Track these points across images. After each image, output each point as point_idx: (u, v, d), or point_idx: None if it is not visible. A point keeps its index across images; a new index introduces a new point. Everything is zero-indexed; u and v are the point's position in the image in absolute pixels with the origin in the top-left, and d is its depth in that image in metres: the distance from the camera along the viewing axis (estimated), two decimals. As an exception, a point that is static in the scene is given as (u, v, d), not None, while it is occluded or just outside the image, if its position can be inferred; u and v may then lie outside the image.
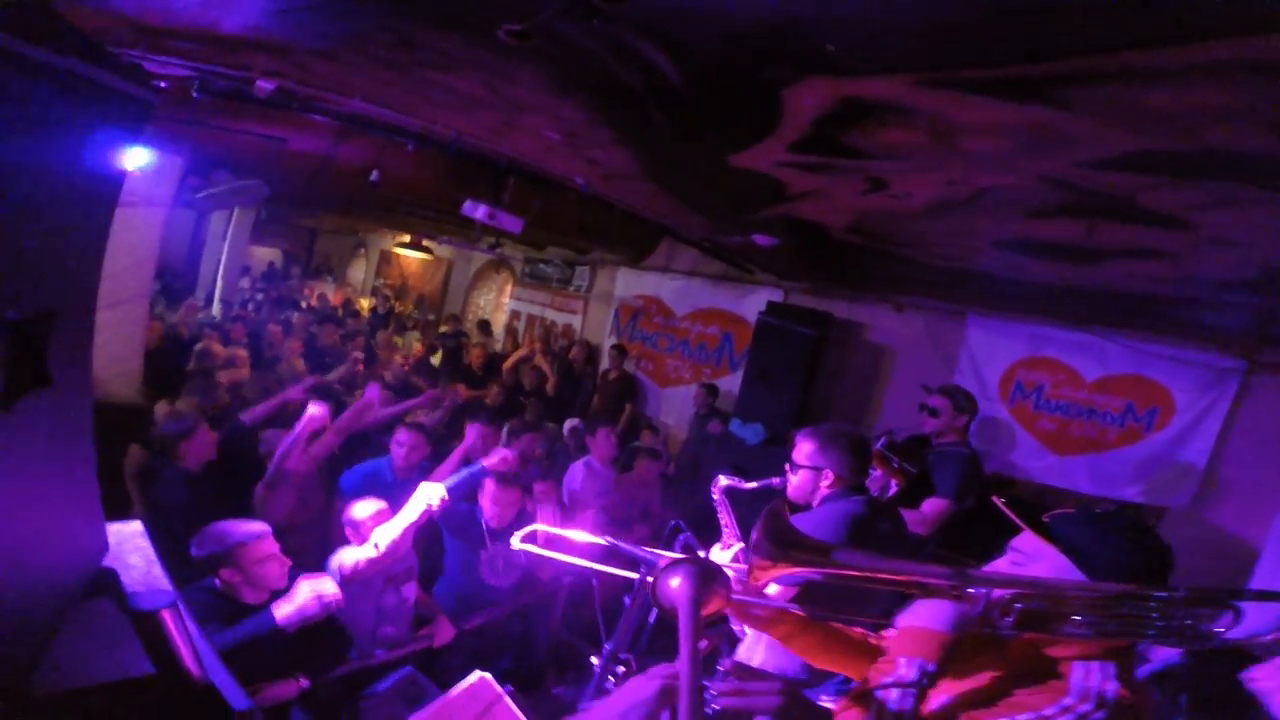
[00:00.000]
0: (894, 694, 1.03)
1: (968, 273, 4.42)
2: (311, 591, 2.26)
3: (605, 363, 7.59)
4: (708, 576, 1.09)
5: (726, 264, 6.19)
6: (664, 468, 5.74)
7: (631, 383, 7.33)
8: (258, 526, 2.39)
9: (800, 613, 1.45)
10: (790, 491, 2.29)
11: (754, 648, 2.28)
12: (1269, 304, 3.34)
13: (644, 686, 0.87)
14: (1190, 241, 2.64)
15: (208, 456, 3.26)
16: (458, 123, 2.78)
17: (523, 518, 3.35)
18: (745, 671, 0.89)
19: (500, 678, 2.14)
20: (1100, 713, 1.03)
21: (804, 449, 2.26)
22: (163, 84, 2.62)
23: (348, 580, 2.74)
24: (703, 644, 0.90)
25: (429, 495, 2.69)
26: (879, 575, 1.17)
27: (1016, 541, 1.25)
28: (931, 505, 3.22)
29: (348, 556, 2.74)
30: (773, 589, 1.98)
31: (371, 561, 2.68)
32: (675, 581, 1.07)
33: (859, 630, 1.55)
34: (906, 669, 1.05)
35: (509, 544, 3.39)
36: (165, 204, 4.66)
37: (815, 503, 2.25)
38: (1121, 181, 2.14)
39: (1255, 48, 1.23)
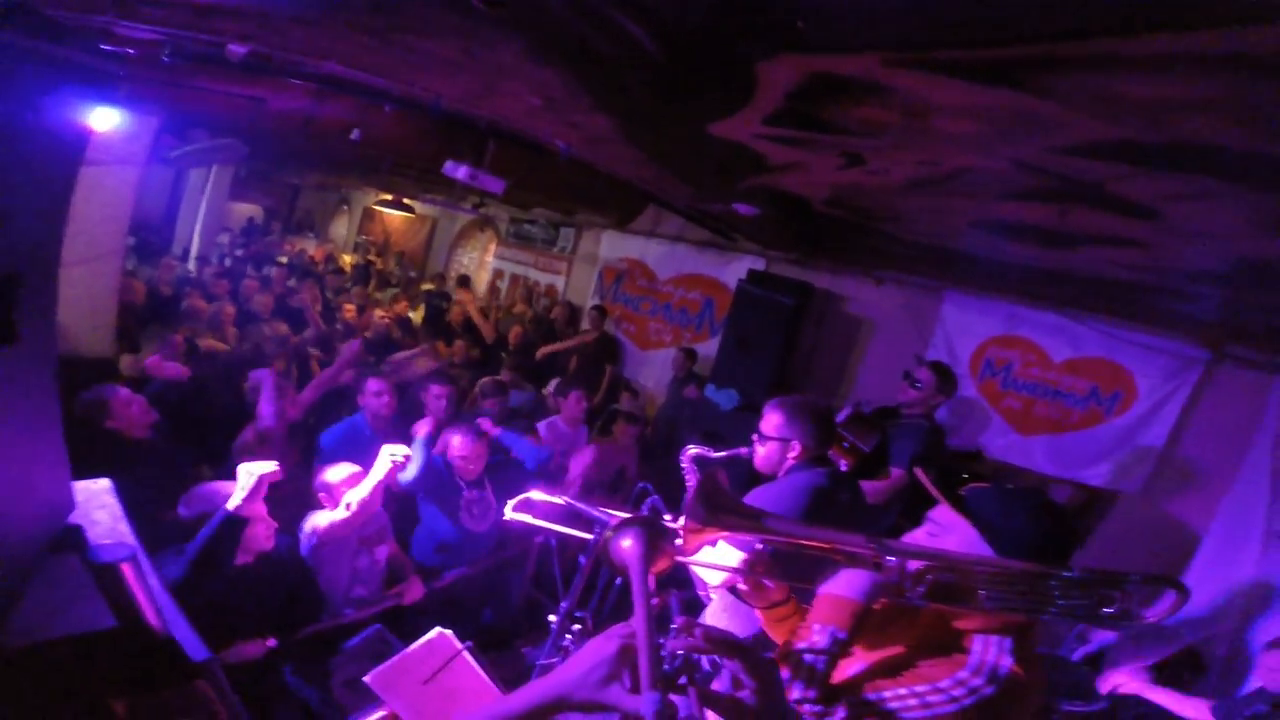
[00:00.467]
0: (808, 658, 1.08)
1: (946, 250, 4.45)
2: (247, 472, 2.27)
3: (585, 323, 7.60)
4: (656, 535, 1.13)
5: (711, 231, 6.18)
6: (642, 430, 5.83)
7: (612, 344, 7.35)
8: None
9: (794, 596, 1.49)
10: (757, 461, 2.35)
11: (718, 615, 2.37)
12: (1239, 297, 3.40)
13: (603, 646, 0.89)
14: (1161, 231, 2.67)
15: (145, 421, 3.13)
16: (437, 85, 2.72)
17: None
18: (691, 625, 0.94)
19: (471, 635, 2.21)
20: (990, 687, 1.07)
21: (772, 420, 2.30)
22: (130, 50, 2.54)
23: (322, 543, 2.80)
24: (654, 602, 0.95)
25: (392, 453, 2.75)
26: (805, 542, 1.22)
27: (933, 513, 1.30)
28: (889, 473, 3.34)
29: (321, 519, 2.80)
30: (735, 555, 2.07)
31: (344, 522, 2.74)
32: (626, 542, 1.11)
33: None
34: (819, 635, 1.10)
35: (483, 490, 3.46)
36: (139, 162, 4.57)
37: (781, 473, 2.30)
38: (1092, 168, 2.17)
39: (1231, 40, 1.23)
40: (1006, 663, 1.10)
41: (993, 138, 2.07)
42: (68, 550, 1.42)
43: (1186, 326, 4.27)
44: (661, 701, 0.76)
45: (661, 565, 1.15)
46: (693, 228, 6.39)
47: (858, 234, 4.66)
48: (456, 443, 3.38)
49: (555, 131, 3.07)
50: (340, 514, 2.74)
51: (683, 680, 0.89)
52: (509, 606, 3.46)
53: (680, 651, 0.91)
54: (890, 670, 1.15)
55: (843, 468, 3.02)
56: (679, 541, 1.21)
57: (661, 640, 0.90)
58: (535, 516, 1.83)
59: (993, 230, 3.50)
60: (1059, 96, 1.62)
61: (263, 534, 2.48)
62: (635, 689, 0.84)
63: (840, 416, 3.14)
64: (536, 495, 1.84)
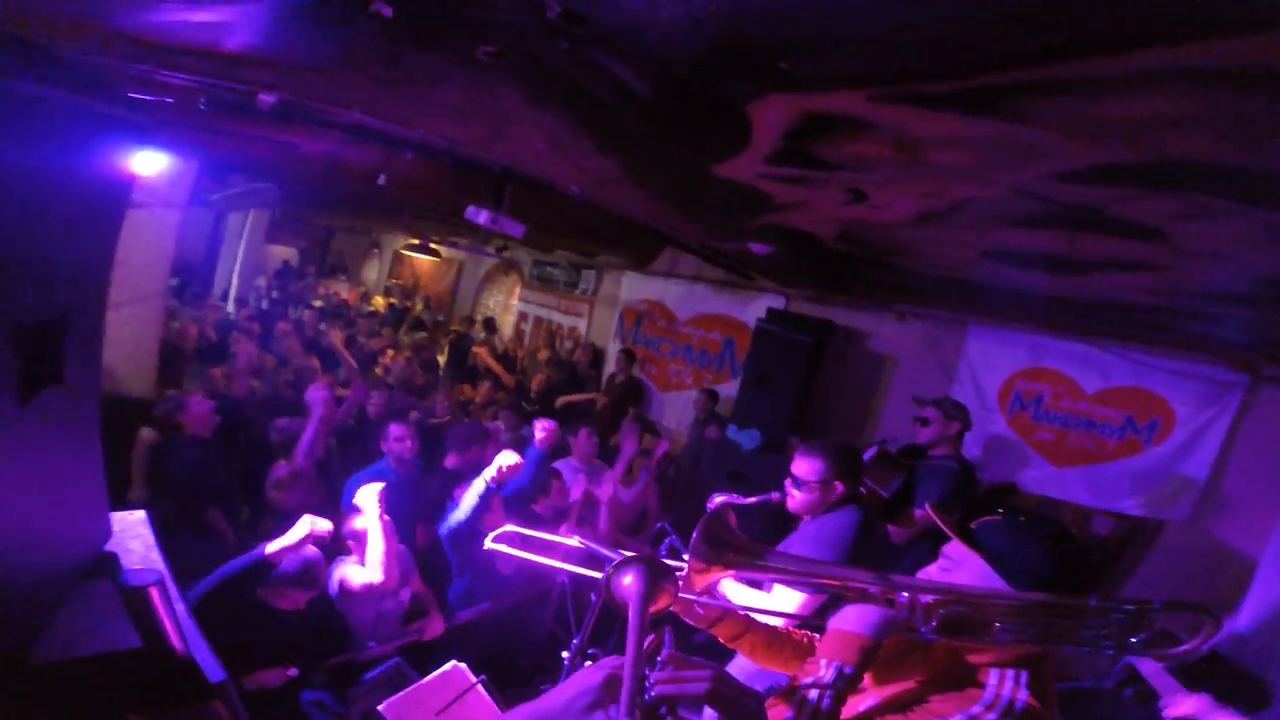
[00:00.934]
0: (813, 694, 1.07)
1: (964, 282, 4.42)
2: (305, 523, 2.40)
3: (611, 366, 7.66)
4: (657, 575, 1.15)
5: (728, 270, 6.24)
6: (666, 471, 5.81)
7: (637, 387, 7.38)
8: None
9: (743, 614, 1.50)
10: (792, 505, 2.39)
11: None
12: (1267, 317, 3.31)
13: (591, 675, 0.91)
14: (1171, 253, 2.64)
15: (211, 422, 3.54)
16: (451, 132, 2.88)
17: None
18: (682, 661, 0.95)
19: (492, 671, 2.22)
20: None
21: (812, 465, 2.35)
22: (169, 99, 2.75)
23: (349, 594, 2.85)
24: (649, 638, 0.97)
25: (368, 495, 2.78)
26: (812, 578, 1.22)
27: (946, 548, 1.29)
28: (915, 516, 3.28)
29: (353, 575, 2.84)
30: (797, 598, 2.07)
31: (373, 586, 2.79)
32: (627, 579, 1.14)
33: (803, 633, 1.59)
34: (826, 670, 1.08)
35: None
36: (180, 205, 4.84)
37: (817, 514, 2.36)
38: (1090, 193, 2.17)
39: (1200, 54, 1.24)
40: (1022, 696, 1.09)
41: (986, 166, 2.09)
42: (101, 575, 1.48)
43: (1219, 350, 4.15)
44: None
45: (662, 603, 1.18)
46: (710, 267, 6.47)
47: (873, 269, 4.66)
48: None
49: (566, 175, 3.19)
50: (373, 577, 2.78)
51: (663, 710, 0.90)
52: (530, 643, 3.43)
53: (661, 683, 0.91)
54: (901, 706, 1.15)
55: None
56: (681, 581, 1.23)
57: (647, 673, 0.91)
58: (536, 554, 1.86)
59: (1006, 260, 3.48)
60: (1040, 122, 1.64)
61: (298, 597, 2.56)
62: None
63: (865, 456, 3.13)
64: (514, 529, 1.88)
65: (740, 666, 2.29)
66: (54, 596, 1.31)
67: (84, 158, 1.16)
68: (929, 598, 1.11)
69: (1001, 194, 2.38)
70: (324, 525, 2.46)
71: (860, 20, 1.36)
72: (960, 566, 1.24)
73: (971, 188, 2.37)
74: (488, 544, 1.89)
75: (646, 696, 0.89)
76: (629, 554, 1.48)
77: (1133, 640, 1.03)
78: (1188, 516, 4.32)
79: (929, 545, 3.48)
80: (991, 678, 1.12)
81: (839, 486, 2.33)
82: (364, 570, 2.84)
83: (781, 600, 2.16)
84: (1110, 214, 2.26)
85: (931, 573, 1.28)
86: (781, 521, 2.54)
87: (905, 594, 1.11)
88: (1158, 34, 1.21)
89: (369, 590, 2.84)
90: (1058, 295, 4.00)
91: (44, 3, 1.98)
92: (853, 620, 1.14)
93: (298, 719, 2.48)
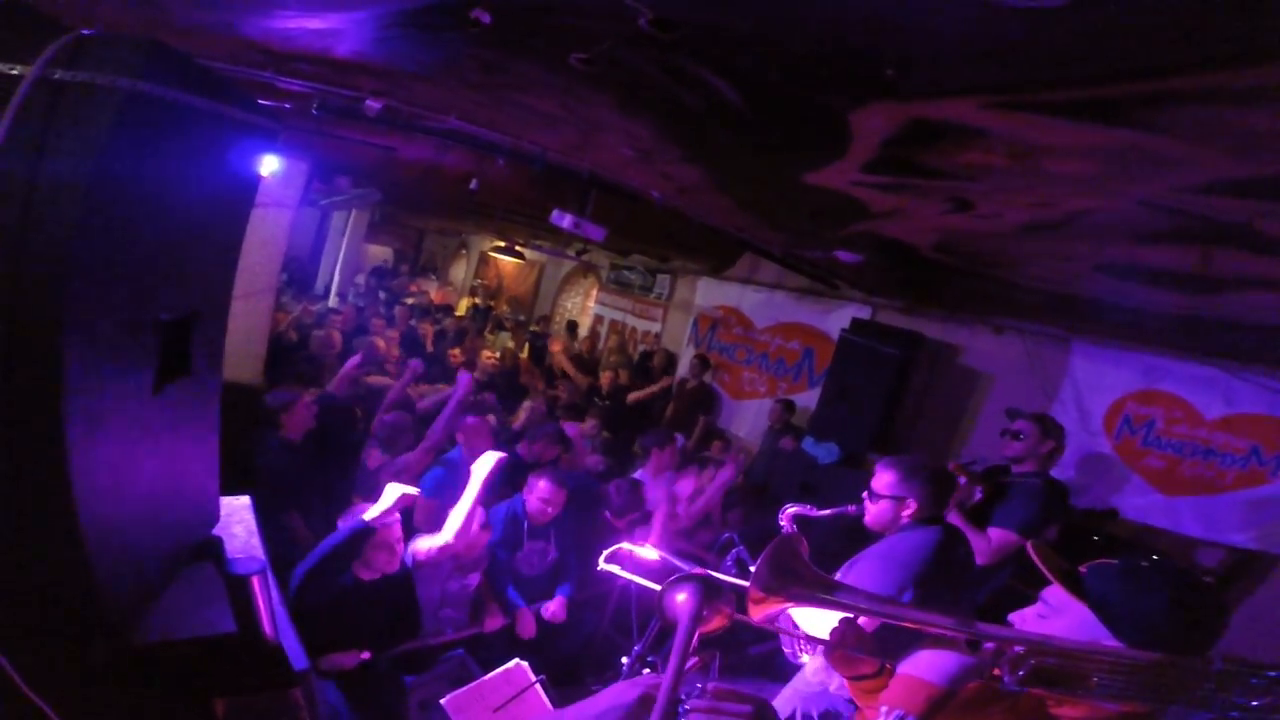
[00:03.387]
0: None
1: (1072, 297, 4.10)
2: (393, 490, 2.53)
3: (684, 371, 7.62)
4: (712, 594, 1.11)
5: (810, 278, 6.07)
6: (735, 480, 5.70)
7: (708, 393, 7.30)
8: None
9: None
10: (868, 520, 2.32)
11: (813, 675, 2.27)
12: None
13: (625, 692, 0.90)
14: (1324, 274, 2.35)
15: (307, 425, 3.69)
16: (541, 139, 2.93)
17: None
18: (725, 693, 0.91)
19: (547, 669, 2.24)
20: None
21: (886, 479, 2.28)
22: (287, 104, 2.94)
23: (419, 565, 2.95)
24: (693, 661, 0.93)
25: (485, 465, 2.88)
26: (884, 617, 1.13)
27: (1045, 592, 1.18)
28: (995, 536, 3.08)
29: (422, 544, 2.95)
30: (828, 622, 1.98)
31: (444, 547, 2.87)
32: (681, 596, 1.10)
33: None
34: (885, 718, 1.02)
35: (546, 540, 3.53)
36: (292, 205, 5.16)
37: (892, 531, 2.28)
38: (1232, 207, 1.96)
39: None
40: None
41: (1111, 177, 1.92)
42: (206, 559, 1.58)
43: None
44: None
45: (715, 624, 1.13)
46: (791, 275, 6.32)
47: (971, 280, 4.41)
48: (542, 486, 3.43)
49: (649, 182, 3.19)
50: (445, 538, 2.87)
51: None
52: (585, 644, 3.47)
53: (696, 713, 0.88)
54: None
55: None
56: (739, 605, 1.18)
57: (683, 697, 0.87)
58: (624, 569, 1.86)
59: (1123, 275, 3.20)
60: (1174, 132, 1.48)
61: (385, 560, 2.67)
62: None
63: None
64: (628, 547, 1.87)
65: (802, 683, 2.21)
66: (163, 578, 1.39)
67: (219, 161, 1.23)
68: (1019, 648, 1.00)
69: (1126, 205, 2.18)
70: (412, 491, 2.57)
71: (969, 32, 1.27)
72: (1059, 614, 1.13)
73: (1092, 198, 2.19)
74: (601, 564, 1.88)
75: None
76: (693, 569, 1.44)
77: (1255, 704, 0.90)
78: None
79: (1013, 570, 3.26)
80: None
81: (911, 504, 2.23)
82: (436, 536, 2.91)
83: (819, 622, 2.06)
84: (1257, 229, 2.03)
85: (1026, 618, 1.18)
86: (859, 538, 2.44)
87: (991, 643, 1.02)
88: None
89: (438, 557, 2.91)
90: (1181, 313, 3.65)
91: (184, 14, 2.15)
92: (924, 667, 1.07)
93: (370, 699, 2.57)
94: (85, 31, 0.87)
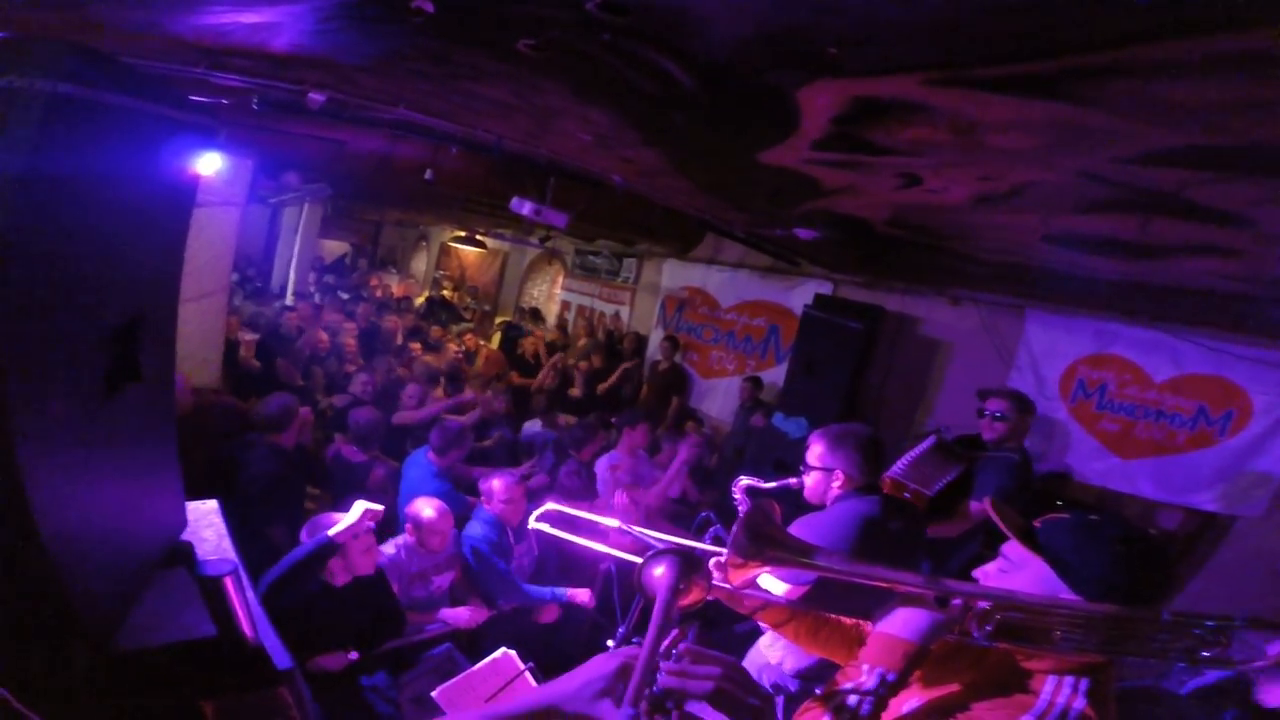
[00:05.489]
0: (852, 699, 1.05)
1: (1024, 267, 4.23)
2: (358, 508, 2.49)
3: (655, 353, 7.65)
4: (690, 567, 1.13)
5: (773, 256, 6.13)
6: (707, 459, 5.78)
7: (680, 375, 7.36)
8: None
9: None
10: (806, 492, 2.32)
11: (775, 642, 2.32)
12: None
13: (606, 663, 0.91)
14: (1254, 238, 2.47)
15: (301, 437, 3.64)
16: (497, 127, 2.89)
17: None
18: (698, 655, 0.93)
19: (535, 657, 2.26)
20: None
21: (814, 450, 2.29)
22: (224, 100, 2.84)
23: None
24: (673, 632, 0.95)
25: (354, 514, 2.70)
26: (857, 578, 1.18)
27: (1005, 548, 1.22)
28: (974, 509, 3.16)
29: (388, 549, 2.95)
30: (781, 587, 2.02)
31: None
32: (658, 570, 1.12)
33: (853, 621, 1.55)
34: (868, 676, 1.06)
35: (525, 539, 3.48)
36: (239, 203, 5.01)
37: (828, 503, 2.27)
38: (1165, 176, 2.04)
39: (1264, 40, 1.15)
40: (1079, 705, 1.03)
41: (1050, 150, 1.98)
42: (178, 564, 1.55)
43: (1306, 338, 3.88)
44: (634, 718, 0.77)
45: (693, 597, 1.15)
46: (755, 253, 6.37)
47: (925, 253, 4.51)
48: (497, 487, 3.33)
49: (609, 166, 3.18)
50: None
51: (669, 704, 0.88)
52: (573, 630, 3.48)
53: (671, 676, 0.90)
54: (945, 711, 1.10)
55: None
56: (716, 576, 1.20)
57: (661, 664, 0.90)
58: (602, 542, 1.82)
59: (1070, 244, 3.31)
60: (1106, 105, 1.54)
61: (362, 563, 2.65)
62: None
63: (922, 448, 3.01)
64: (556, 506, 1.84)
65: (757, 654, 2.25)
66: (137, 585, 1.37)
67: (154, 162, 1.20)
68: (985, 603, 1.04)
69: (1066, 178, 2.26)
70: (376, 508, 2.54)
71: (906, 10, 1.30)
72: (1020, 569, 1.17)
73: (1034, 171, 2.25)
74: (531, 523, 1.80)
75: (654, 689, 0.88)
76: (667, 543, 1.46)
77: (1205, 654, 0.96)
78: (1262, 512, 4.06)
79: (982, 539, 3.36)
80: (1047, 685, 1.07)
81: (839, 475, 2.21)
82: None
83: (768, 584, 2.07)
84: (1189, 198, 2.12)
85: (989, 573, 1.23)
86: (807, 509, 2.44)
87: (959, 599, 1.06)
88: (1218, 23, 1.12)
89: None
90: (1127, 280, 3.79)
91: (112, 13, 2.07)
92: (899, 625, 1.10)
93: (358, 702, 2.57)
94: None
